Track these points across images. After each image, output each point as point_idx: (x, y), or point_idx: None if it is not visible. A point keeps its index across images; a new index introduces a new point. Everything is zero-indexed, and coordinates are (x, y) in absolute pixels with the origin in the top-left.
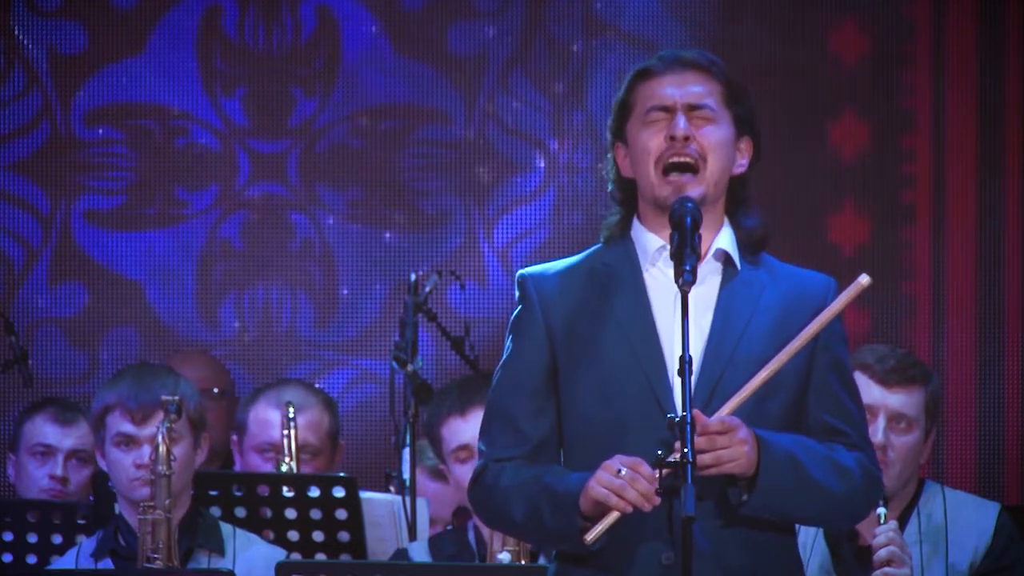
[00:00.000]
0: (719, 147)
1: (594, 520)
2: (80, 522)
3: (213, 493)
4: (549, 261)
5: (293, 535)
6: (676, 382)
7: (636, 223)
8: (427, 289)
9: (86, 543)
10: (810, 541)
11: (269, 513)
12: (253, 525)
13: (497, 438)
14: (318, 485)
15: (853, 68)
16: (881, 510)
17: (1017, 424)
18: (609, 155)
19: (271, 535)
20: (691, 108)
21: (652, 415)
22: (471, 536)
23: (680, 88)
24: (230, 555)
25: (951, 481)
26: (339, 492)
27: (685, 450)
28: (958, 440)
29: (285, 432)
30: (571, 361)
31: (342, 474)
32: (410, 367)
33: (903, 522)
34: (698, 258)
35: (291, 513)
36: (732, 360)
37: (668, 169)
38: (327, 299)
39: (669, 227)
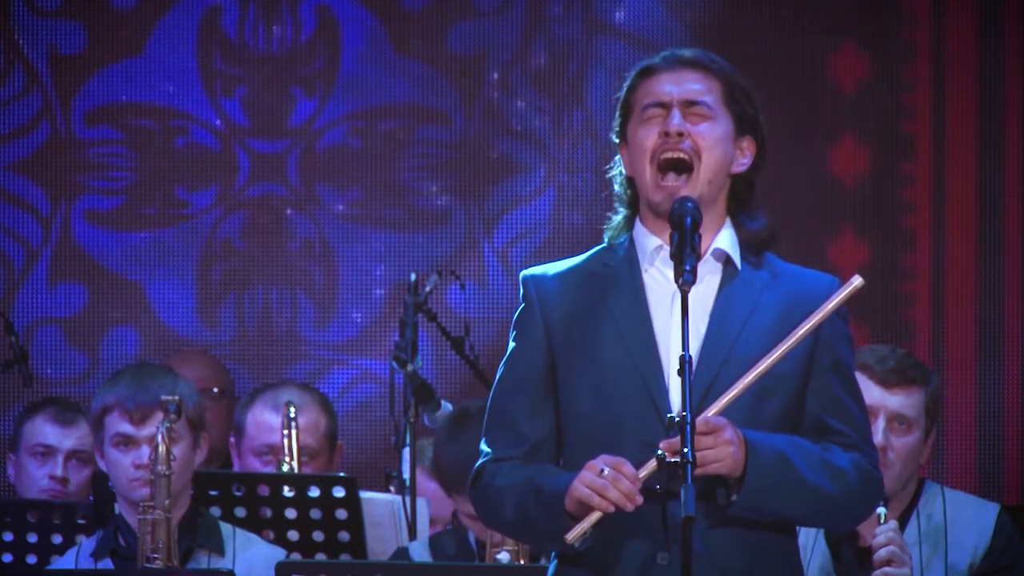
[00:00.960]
0: (715, 144)
1: (579, 520)
2: (80, 522)
3: (213, 493)
4: (549, 261)
5: (293, 535)
6: (672, 382)
7: (638, 223)
8: (427, 289)
9: (86, 543)
10: (810, 542)
11: (269, 513)
12: (253, 525)
13: (496, 438)
14: (318, 485)
15: (852, 95)
16: (881, 510)
17: (1017, 424)
18: (617, 157)
19: (271, 535)
20: (688, 104)
21: (648, 416)
22: (471, 536)
23: (677, 85)
24: (230, 555)
25: (951, 481)
26: (339, 492)
27: (684, 450)
28: (958, 440)
29: (285, 432)
30: (569, 361)
31: (342, 474)
32: (410, 367)
33: (903, 522)
34: (698, 258)
35: (291, 513)
36: (728, 360)
37: (662, 166)
38: (327, 299)
39: (669, 227)
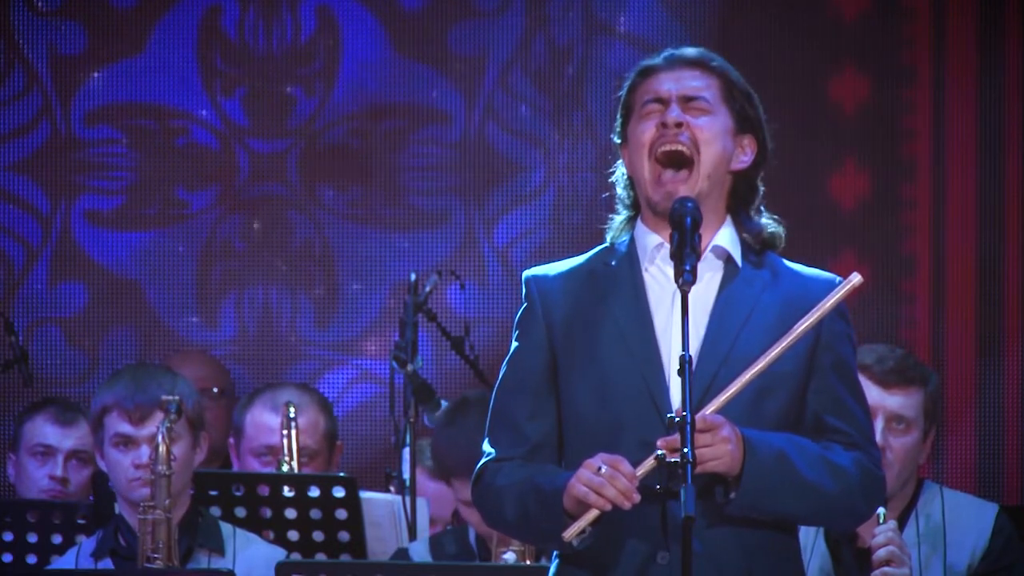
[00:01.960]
0: (714, 138)
1: (578, 518)
2: (80, 522)
3: (213, 493)
4: (549, 261)
5: (293, 535)
6: (672, 382)
7: (639, 223)
8: (427, 289)
9: (86, 543)
10: (809, 543)
11: (269, 513)
12: (253, 525)
13: (498, 439)
14: (318, 485)
15: (852, 35)
16: (880, 510)
17: (1017, 424)
18: (619, 160)
19: (271, 535)
20: (686, 100)
21: (648, 415)
22: (471, 536)
23: (676, 82)
24: (230, 555)
25: (951, 481)
26: (339, 492)
27: (684, 449)
28: (958, 440)
29: (285, 432)
30: (570, 361)
31: (342, 474)
32: (410, 367)
33: (902, 523)
34: (698, 257)
35: (291, 513)
36: (727, 360)
37: (660, 160)
38: (327, 299)
39: (670, 227)
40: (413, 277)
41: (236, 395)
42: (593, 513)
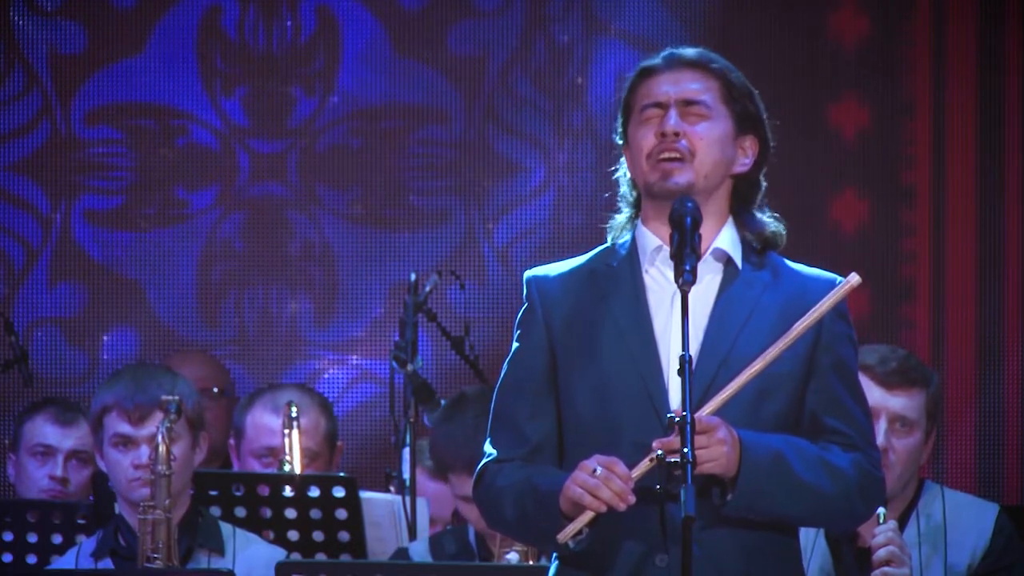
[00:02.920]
0: (712, 143)
1: (573, 520)
2: (80, 522)
3: (213, 493)
4: (549, 261)
5: (293, 535)
6: (671, 383)
7: (639, 224)
8: (427, 289)
9: (86, 543)
10: (810, 543)
11: (269, 513)
12: (253, 525)
13: (499, 439)
14: (318, 485)
15: (851, 53)
16: (881, 510)
17: (1017, 424)
18: (622, 159)
19: (271, 535)
20: (685, 104)
21: (647, 416)
22: (471, 535)
23: (675, 85)
24: (230, 555)
25: (951, 482)
26: (339, 492)
27: (684, 450)
28: (958, 440)
29: (287, 432)
30: (570, 361)
31: (342, 474)
32: (410, 367)
33: (903, 523)
34: (698, 258)
35: (291, 513)
36: (727, 361)
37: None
38: (327, 299)
39: (670, 226)
40: (413, 277)
41: (236, 395)
42: (588, 515)
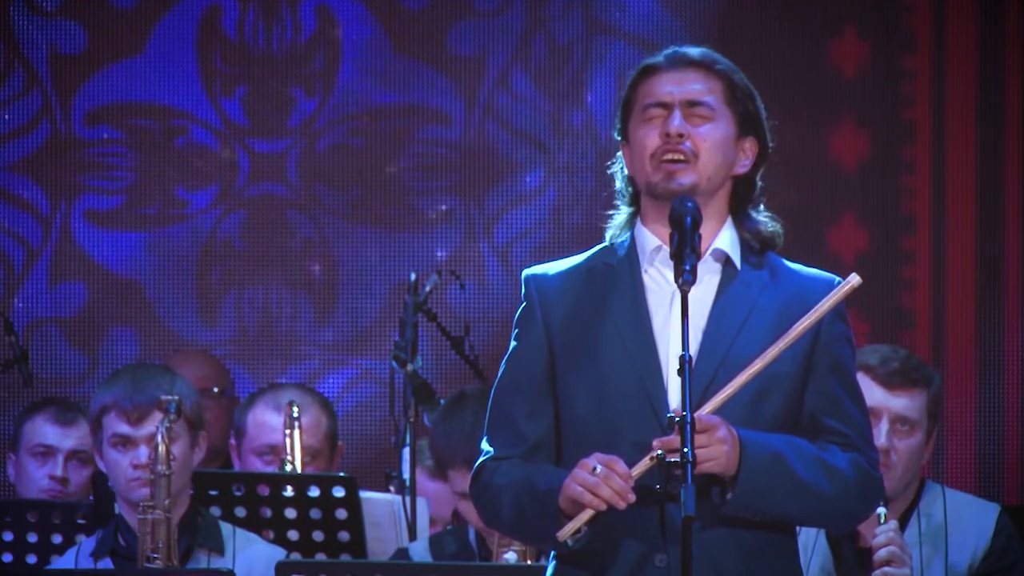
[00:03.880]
0: (715, 145)
1: (573, 518)
2: (80, 522)
3: (213, 493)
4: (549, 261)
5: (293, 535)
6: (670, 383)
7: (638, 223)
8: (427, 289)
9: (86, 543)
10: (811, 542)
11: (269, 513)
12: (253, 525)
13: (497, 438)
14: (318, 485)
15: (852, 80)
16: (881, 510)
17: (1017, 424)
18: (619, 153)
19: (271, 535)
20: (689, 105)
21: (645, 416)
22: (471, 535)
23: (679, 85)
24: (230, 554)
25: (951, 481)
26: (339, 492)
27: (684, 450)
28: (958, 440)
29: (288, 431)
30: (568, 361)
31: (342, 474)
32: (410, 367)
33: (904, 523)
34: (698, 258)
35: (291, 513)
36: (725, 361)
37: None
38: (327, 299)
39: (670, 226)
40: (413, 277)
41: (236, 395)
42: (588, 513)
